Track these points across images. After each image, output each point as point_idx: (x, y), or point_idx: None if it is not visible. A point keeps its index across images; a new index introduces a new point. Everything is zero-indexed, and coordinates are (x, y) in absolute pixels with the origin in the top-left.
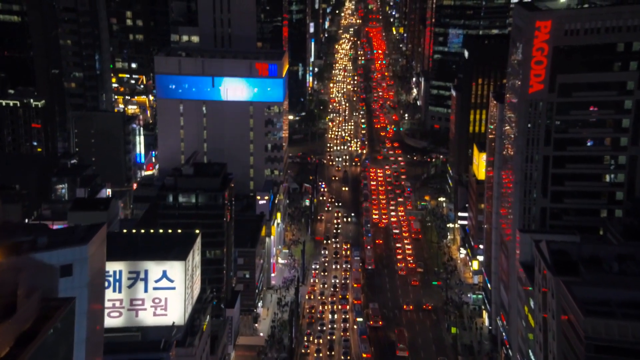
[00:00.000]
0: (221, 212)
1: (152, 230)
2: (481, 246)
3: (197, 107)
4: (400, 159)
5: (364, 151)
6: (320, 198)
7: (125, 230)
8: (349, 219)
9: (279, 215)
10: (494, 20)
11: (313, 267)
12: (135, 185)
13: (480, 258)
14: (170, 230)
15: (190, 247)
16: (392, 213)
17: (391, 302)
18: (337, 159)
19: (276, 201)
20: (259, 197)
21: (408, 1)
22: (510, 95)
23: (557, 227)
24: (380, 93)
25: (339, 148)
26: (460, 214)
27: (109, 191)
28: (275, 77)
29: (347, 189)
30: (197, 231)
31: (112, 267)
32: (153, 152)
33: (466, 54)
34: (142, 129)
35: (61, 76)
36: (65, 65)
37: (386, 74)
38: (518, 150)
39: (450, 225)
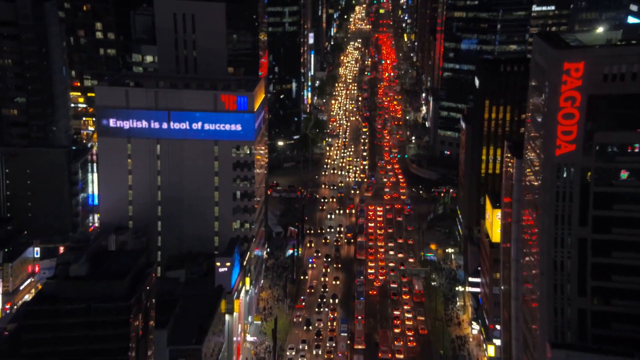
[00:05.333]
0: (126, 331)
1: None
2: (498, 327)
3: (150, 148)
4: (403, 190)
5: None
6: (303, 277)
7: None
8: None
9: (247, 281)
10: (511, 34)
11: (288, 352)
12: (62, 248)
13: (498, 342)
14: None
15: None
16: (391, 251)
17: None
18: (328, 229)
19: (245, 263)
20: (218, 264)
21: (418, 6)
22: (531, 154)
23: (603, 338)
24: (386, 104)
25: (332, 216)
26: (471, 278)
27: (37, 250)
28: (245, 112)
29: (338, 282)
30: None
31: None
32: None
33: (477, 82)
34: (95, 164)
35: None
36: (5, 89)
37: (393, 85)
38: (543, 230)
39: (460, 288)
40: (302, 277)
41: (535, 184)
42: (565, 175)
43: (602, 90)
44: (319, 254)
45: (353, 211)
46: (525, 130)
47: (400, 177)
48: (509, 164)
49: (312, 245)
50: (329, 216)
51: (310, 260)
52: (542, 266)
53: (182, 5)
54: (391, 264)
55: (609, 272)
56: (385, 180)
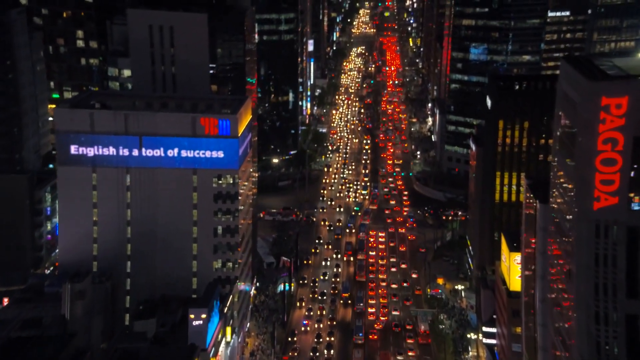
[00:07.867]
0: None
1: None
2: None
3: (118, 178)
4: (405, 211)
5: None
6: (291, 339)
7: None
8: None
9: (229, 331)
10: (525, 44)
11: None
12: (6, 300)
13: None
14: None
15: None
16: (393, 267)
17: None
18: (322, 277)
19: (226, 309)
20: (192, 316)
21: (424, 9)
22: (561, 203)
23: None
24: (390, 111)
25: (328, 262)
26: (485, 328)
27: None
28: (228, 137)
29: (333, 338)
30: None
31: None
32: None
33: (489, 102)
34: None
35: None
36: None
37: (397, 92)
38: (580, 301)
39: (472, 335)
40: (289, 339)
41: (567, 240)
42: (606, 235)
43: None
44: (311, 313)
45: (351, 259)
46: (551, 173)
47: (404, 196)
48: (531, 205)
49: (303, 304)
50: (323, 262)
51: (304, 322)
52: (580, 348)
53: (158, 15)
54: (393, 285)
55: None
56: (386, 193)
